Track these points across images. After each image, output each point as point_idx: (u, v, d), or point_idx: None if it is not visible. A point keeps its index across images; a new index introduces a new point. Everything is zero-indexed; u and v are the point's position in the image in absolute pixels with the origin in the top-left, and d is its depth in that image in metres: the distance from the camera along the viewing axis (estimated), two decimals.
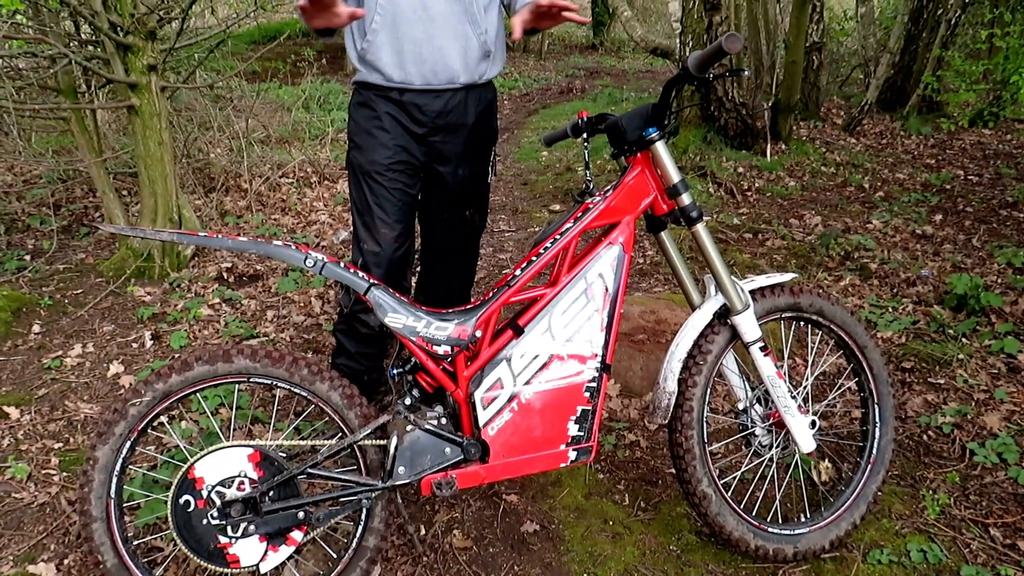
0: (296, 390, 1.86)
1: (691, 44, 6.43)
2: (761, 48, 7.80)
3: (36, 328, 3.40)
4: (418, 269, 2.64)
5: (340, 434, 1.89)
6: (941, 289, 3.68)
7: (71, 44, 4.14)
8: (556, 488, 2.41)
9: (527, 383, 1.88)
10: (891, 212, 5.13)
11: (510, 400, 1.87)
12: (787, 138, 6.73)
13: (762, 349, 1.99)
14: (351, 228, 4.87)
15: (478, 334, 1.91)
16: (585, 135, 2.13)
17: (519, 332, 1.89)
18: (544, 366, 1.89)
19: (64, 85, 3.97)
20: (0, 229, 4.52)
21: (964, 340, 3.23)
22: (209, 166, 5.39)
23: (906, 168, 6.44)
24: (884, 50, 8.22)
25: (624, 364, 3.04)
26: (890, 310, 3.56)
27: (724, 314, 2.00)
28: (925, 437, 2.64)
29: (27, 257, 4.24)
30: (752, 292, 2.04)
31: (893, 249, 4.36)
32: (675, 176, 1.92)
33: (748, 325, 1.97)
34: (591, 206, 1.94)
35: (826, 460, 2.45)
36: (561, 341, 1.89)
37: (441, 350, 1.86)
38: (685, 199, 1.92)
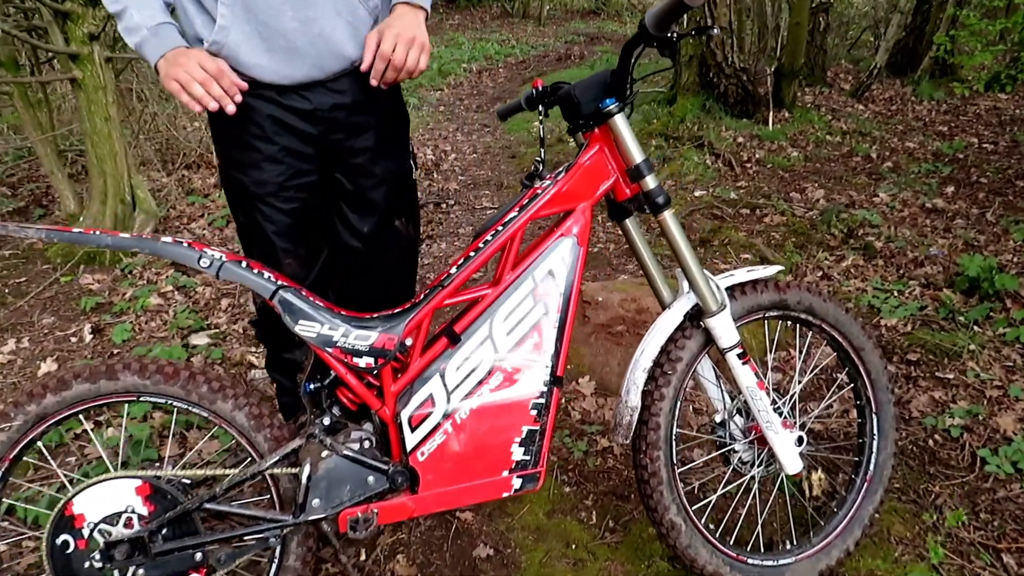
0: (195, 410, 1.60)
1: None
2: (765, 8, 7.41)
3: None
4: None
5: (249, 460, 1.64)
6: (952, 270, 3.38)
7: (8, 12, 3.83)
8: (516, 504, 2.16)
9: (464, 400, 1.61)
10: (899, 184, 4.81)
11: (443, 420, 1.61)
12: (791, 105, 6.38)
13: (740, 356, 1.71)
14: None
15: (408, 342, 1.64)
16: (541, 107, 1.82)
17: (455, 340, 1.62)
18: (484, 380, 1.62)
19: (3, 57, 3.68)
20: None
21: (976, 328, 2.94)
22: (174, 142, 5.09)
23: (916, 136, 6.09)
24: (895, 10, 7.80)
25: (600, 359, 2.78)
26: (895, 294, 3.27)
27: (697, 315, 1.72)
28: (931, 442, 2.37)
29: None
30: (730, 289, 1.76)
31: (900, 225, 4.06)
32: (637, 155, 1.63)
33: (724, 328, 1.69)
34: (540, 191, 1.65)
35: (819, 471, 2.19)
36: (504, 350, 1.62)
37: (363, 362, 1.60)
38: (649, 182, 1.64)
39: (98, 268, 3.67)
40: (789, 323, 1.89)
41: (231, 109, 1.58)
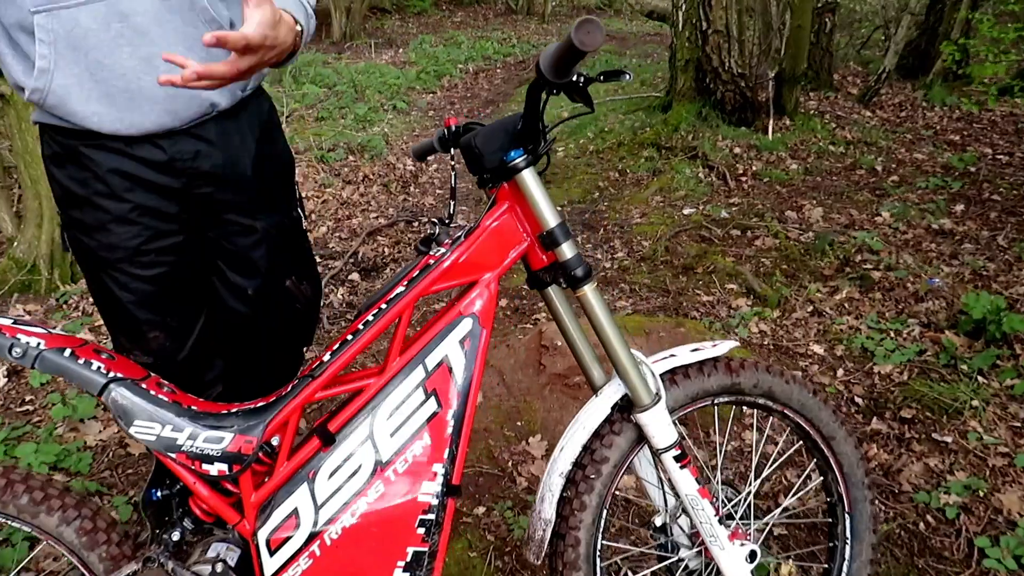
0: (15, 524, 1.33)
1: (684, 6, 5.74)
2: (770, 8, 7.07)
3: None
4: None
5: None
6: (956, 307, 3.06)
7: None
8: None
9: (336, 516, 1.33)
10: (904, 202, 4.48)
11: (309, 542, 1.32)
12: (792, 112, 6.04)
13: (678, 459, 1.42)
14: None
15: (274, 442, 1.37)
16: (452, 151, 1.53)
17: (328, 441, 1.34)
18: (361, 491, 1.33)
19: None
20: None
21: (980, 379, 2.62)
22: None
23: (926, 146, 5.74)
24: (905, 10, 7.42)
25: (555, 415, 2.49)
26: (892, 335, 2.96)
27: (628, 406, 1.43)
28: (922, 525, 2.06)
29: None
30: (671, 373, 1.47)
31: (903, 250, 3.73)
32: (551, 219, 1.34)
33: (658, 425, 1.40)
34: (433, 260, 1.37)
35: (790, 563, 1.89)
36: (387, 454, 1.34)
37: (215, 470, 1.32)
38: (566, 251, 1.34)
39: (32, 297, 3.42)
40: (745, 408, 1.60)
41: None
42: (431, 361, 1.35)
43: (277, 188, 1.58)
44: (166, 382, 1.39)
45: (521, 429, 2.48)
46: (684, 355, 1.48)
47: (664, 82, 6.78)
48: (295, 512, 1.32)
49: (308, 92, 7.68)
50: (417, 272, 1.37)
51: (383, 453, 1.33)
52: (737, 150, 5.35)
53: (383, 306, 1.35)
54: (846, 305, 3.23)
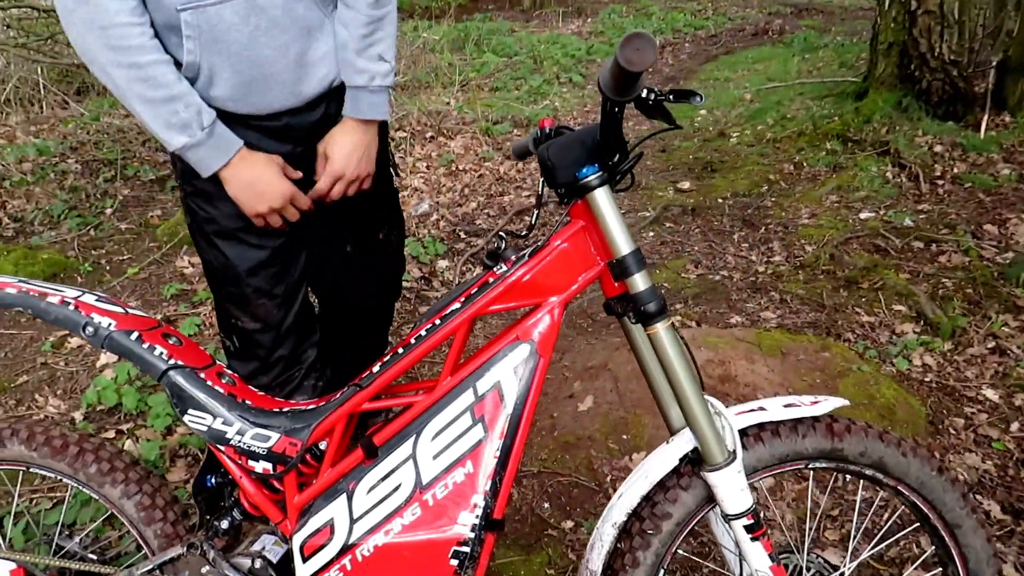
0: (85, 490, 1.41)
1: None
2: None
3: None
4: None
5: (142, 555, 1.42)
6: None
7: None
8: None
9: (370, 533, 1.28)
10: None
11: (342, 554, 1.29)
12: (1015, 108, 5.24)
13: (751, 528, 1.24)
14: (431, 200, 4.40)
15: (322, 446, 1.34)
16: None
17: (372, 454, 1.29)
18: (398, 511, 1.28)
19: None
20: (108, 175, 4.48)
21: None
22: None
23: None
24: None
25: (664, 435, 2.31)
26: None
27: (699, 461, 1.27)
28: None
29: (108, 211, 4.16)
30: (756, 429, 1.28)
31: None
32: (623, 246, 1.19)
33: (729, 488, 1.23)
34: (493, 278, 1.27)
35: None
36: (428, 477, 1.27)
37: (260, 467, 1.32)
38: (638, 282, 1.20)
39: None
40: (848, 476, 1.37)
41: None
42: (482, 386, 1.26)
43: (378, 142, 1.64)
44: (228, 372, 1.41)
45: (626, 443, 2.33)
46: (775, 410, 1.29)
47: (862, 61, 6.15)
48: (331, 522, 1.29)
49: (487, 61, 7.73)
50: (476, 289, 1.28)
51: (424, 475, 1.27)
52: (938, 148, 4.73)
53: (437, 322, 1.28)
54: None
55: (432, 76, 6.99)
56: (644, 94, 1.04)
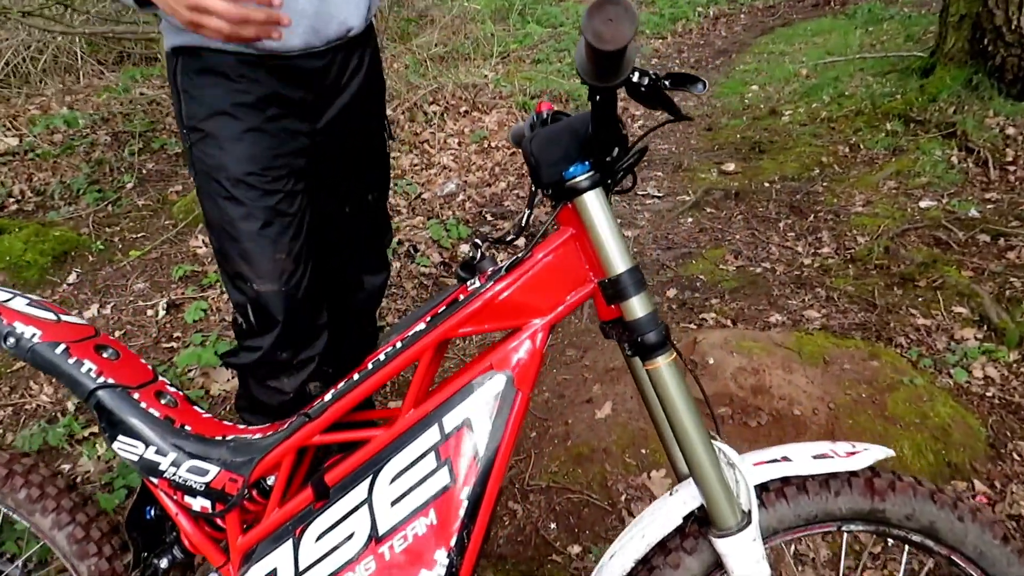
0: (16, 517, 1.26)
1: None
2: None
3: (72, 278, 3.16)
4: None
5: None
6: None
7: None
8: None
9: None
10: None
11: None
12: None
13: None
14: (459, 179, 4.20)
15: (270, 481, 1.17)
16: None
17: (322, 495, 1.11)
18: (349, 564, 1.09)
19: None
20: (134, 148, 4.38)
21: None
22: None
23: None
24: None
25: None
26: None
27: (705, 520, 1.05)
28: None
29: (128, 186, 4.06)
30: (779, 483, 1.06)
31: None
32: (617, 262, 0.98)
33: (741, 557, 1.01)
34: (464, 295, 1.06)
35: None
36: (385, 526, 1.08)
37: (197, 504, 1.15)
38: (635, 307, 0.98)
39: None
40: (890, 540, 1.15)
41: (277, 35, 1.19)
42: (449, 422, 1.06)
43: (377, 100, 1.65)
44: (171, 391, 1.24)
45: (645, 458, 2.12)
46: (802, 461, 1.07)
47: (929, 34, 5.71)
48: (274, 573, 1.12)
49: (531, 32, 7.45)
50: (444, 307, 1.07)
51: (380, 524, 1.08)
52: (1011, 131, 4.33)
53: (398, 344, 1.08)
54: None
55: (472, 47, 6.74)
56: (636, 78, 0.82)
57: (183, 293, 3.02)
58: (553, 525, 1.99)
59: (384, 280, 1.86)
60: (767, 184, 4.12)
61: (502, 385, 1.05)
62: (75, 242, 3.34)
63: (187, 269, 3.14)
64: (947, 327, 2.69)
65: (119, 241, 3.48)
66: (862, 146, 4.43)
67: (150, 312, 2.92)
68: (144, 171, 4.26)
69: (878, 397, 2.17)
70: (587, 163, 0.98)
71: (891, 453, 1.11)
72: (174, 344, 2.71)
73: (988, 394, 2.34)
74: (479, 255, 1.09)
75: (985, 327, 2.67)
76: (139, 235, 3.54)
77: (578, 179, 0.97)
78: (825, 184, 4.03)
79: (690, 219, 3.80)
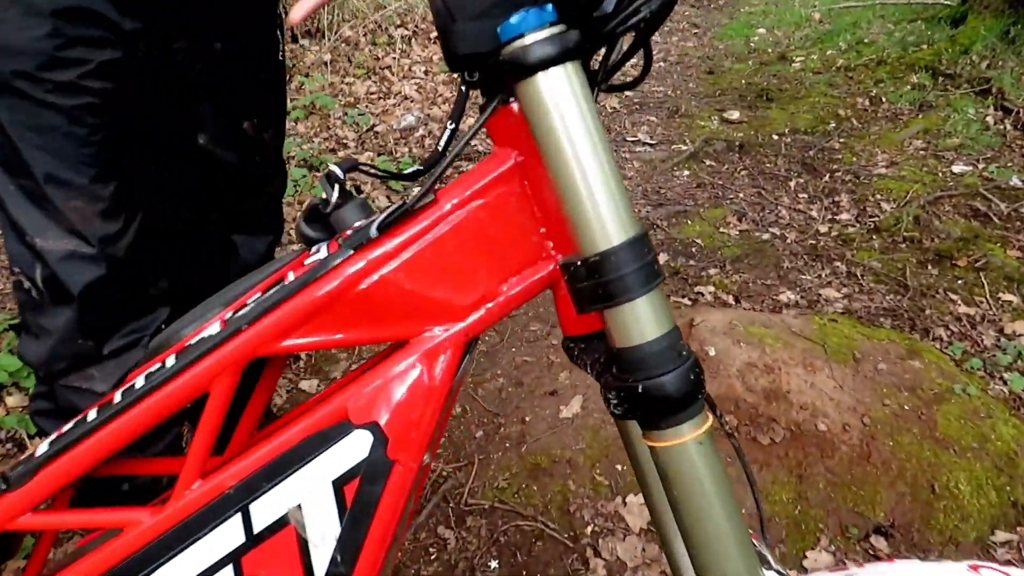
0: None
1: None
2: None
3: None
4: None
5: None
6: None
7: None
8: None
9: None
10: None
11: None
12: None
13: None
14: (420, 112, 3.65)
15: None
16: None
17: None
18: None
19: None
20: None
21: None
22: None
23: None
24: None
25: None
26: None
27: None
28: None
29: None
30: None
31: None
32: (610, 223, 0.45)
33: None
34: (302, 272, 0.54)
35: None
36: None
37: None
38: (637, 321, 0.46)
39: None
40: None
41: None
42: (262, 513, 0.55)
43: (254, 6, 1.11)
44: None
45: (620, 477, 1.63)
46: None
47: None
48: None
49: None
50: (261, 293, 0.55)
51: None
52: None
53: (169, 361, 0.56)
54: None
55: None
56: None
57: None
58: (494, 564, 1.50)
59: (271, 244, 1.32)
60: (776, 136, 3.60)
61: (365, 448, 0.53)
62: None
63: None
64: (994, 318, 2.21)
65: None
66: (884, 99, 3.91)
67: None
68: None
69: (924, 411, 1.69)
70: (549, 6, 0.45)
71: None
72: None
73: None
74: (336, 194, 0.57)
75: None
76: None
77: (528, 38, 0.44)
78: (842, 140, 3.51)
79: (686, 172, 3.27)
